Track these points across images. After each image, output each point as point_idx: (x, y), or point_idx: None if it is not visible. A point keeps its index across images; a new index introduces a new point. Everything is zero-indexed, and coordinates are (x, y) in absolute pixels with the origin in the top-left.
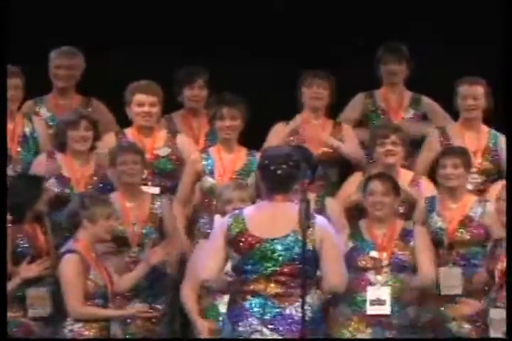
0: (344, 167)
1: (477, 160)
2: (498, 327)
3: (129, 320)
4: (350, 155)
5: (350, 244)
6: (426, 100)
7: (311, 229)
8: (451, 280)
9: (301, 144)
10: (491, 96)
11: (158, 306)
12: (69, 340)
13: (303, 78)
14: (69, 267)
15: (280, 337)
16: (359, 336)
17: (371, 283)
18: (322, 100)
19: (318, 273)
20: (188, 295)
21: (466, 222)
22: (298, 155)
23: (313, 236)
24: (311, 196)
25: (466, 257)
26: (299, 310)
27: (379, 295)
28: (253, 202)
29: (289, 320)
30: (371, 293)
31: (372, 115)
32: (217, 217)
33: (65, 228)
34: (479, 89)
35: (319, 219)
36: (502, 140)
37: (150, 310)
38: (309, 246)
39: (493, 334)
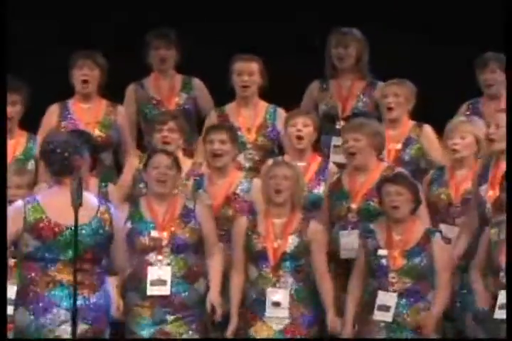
0: (116, 151)
1: (253, 136)
2: None
3: None
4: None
5: (129, 225)
6: (197, 82)
7: (109, 211)
8: None
9: (78, 128)
10: (265, 74)
11: None
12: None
13: (72, 60)
14: None
15: (87, 327)
16: (142, 320)
17: (152, 264)
18: (90, 83)
19: None
20: None
21: (231, 198)
22: (78, 138)
23: (112, 220)
24: (94, 181)
25: (228, 235)
26: (102, 299)
27: (160, 275)
28: (30, 189)
29: (95, 308)
30: (151, 274)
31: (147, 105)
32: None
33: None
34: (254, 66)
35: (112, 205)
36: (279, 114)
37: None
38: (109, 228)
39: None
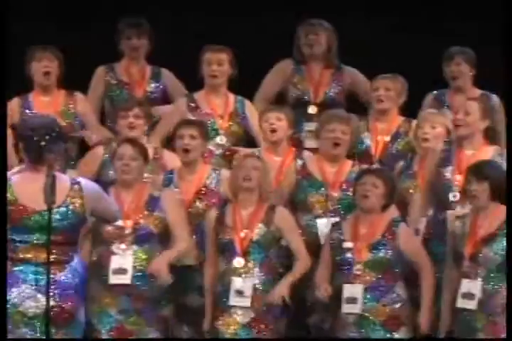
0: (83, 142)
1: (226, 123)
2: None
3: None
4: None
5: None
6: (166, 73)
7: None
8: None
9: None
10: (235, 64)
11: None
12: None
13: (30, 54)
14: None
15: (54, 303)
16: (108, 309)
17: (114, 253)
18: (52, 75)
19: None
20: None
21: (201, 192)
22: (55, 125)
23: (84, 202)
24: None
25: (199, 229)
26: (69, 275)
27: (121, 264)
28: None
29: (62, 285)
30: (114, 262)
31: (115, 89)
32: None
33: None
34: (223, 56)
35: (85, 183)
36: (247, 105)
37: None
38: (80, 211)
39: None
